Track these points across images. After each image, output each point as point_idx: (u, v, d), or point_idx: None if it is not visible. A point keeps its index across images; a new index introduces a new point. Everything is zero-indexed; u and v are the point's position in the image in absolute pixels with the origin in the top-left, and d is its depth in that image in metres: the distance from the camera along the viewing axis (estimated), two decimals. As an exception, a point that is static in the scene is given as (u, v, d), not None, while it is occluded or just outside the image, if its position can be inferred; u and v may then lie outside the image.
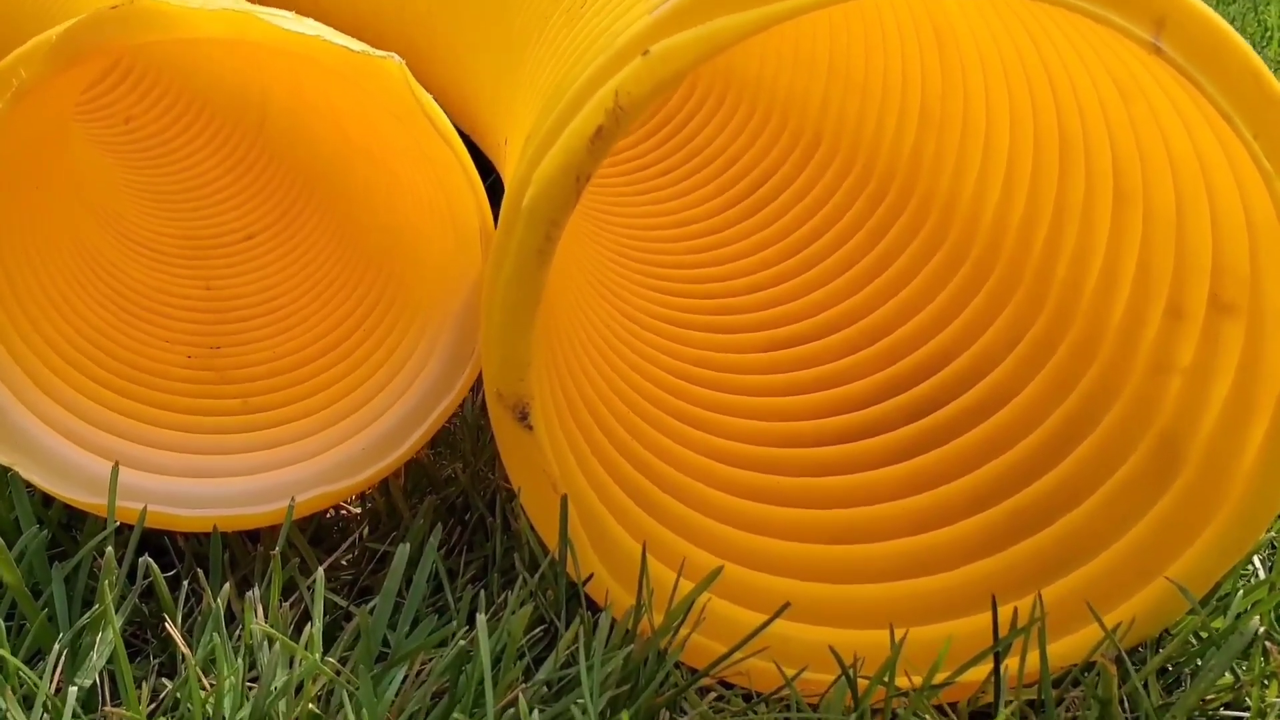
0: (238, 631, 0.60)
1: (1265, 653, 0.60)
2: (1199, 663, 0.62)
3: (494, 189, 0.66)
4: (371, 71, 0.63)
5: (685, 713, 0.59)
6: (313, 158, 1.05)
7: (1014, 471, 0.77)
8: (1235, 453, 0.63)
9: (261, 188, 1.19)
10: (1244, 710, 0.59)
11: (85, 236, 0.98)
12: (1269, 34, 1.99)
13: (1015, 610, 0.64)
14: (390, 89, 0.63)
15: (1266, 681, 0.60)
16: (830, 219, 1.08)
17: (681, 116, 1.27)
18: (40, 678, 0.55)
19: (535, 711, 0.54)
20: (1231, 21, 1.62)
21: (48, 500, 0.66)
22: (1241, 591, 0.65)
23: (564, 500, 0.61)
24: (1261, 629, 0.61)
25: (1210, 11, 0.53)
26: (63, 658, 0.56)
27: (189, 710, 0.54)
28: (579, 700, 0.55)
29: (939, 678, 0.58)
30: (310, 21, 0.63)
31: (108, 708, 0.56)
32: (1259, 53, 0.74)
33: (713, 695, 0.62)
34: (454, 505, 0.73)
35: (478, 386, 0.67)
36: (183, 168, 1.23)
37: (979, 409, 0.83)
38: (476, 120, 1.15)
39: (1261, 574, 0.69)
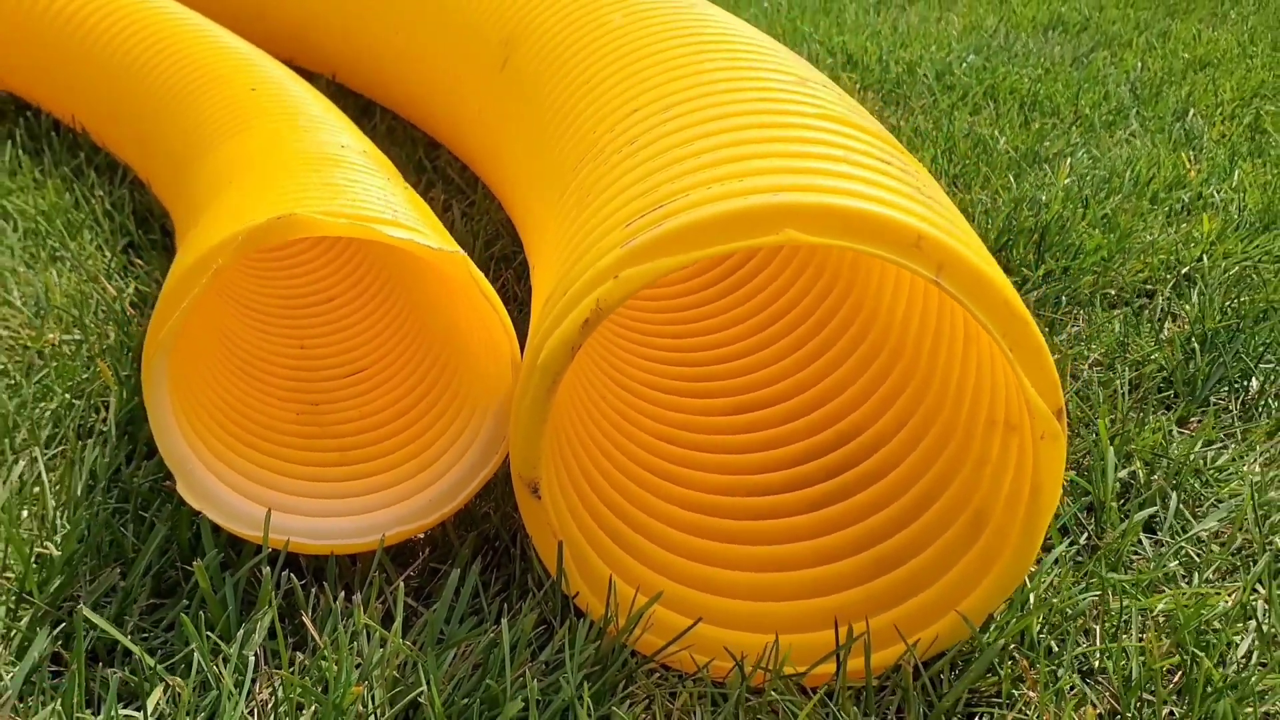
0: (345, 622, 0.92)
1: (1014, 660, 0.91)
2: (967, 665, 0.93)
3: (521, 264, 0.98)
4: (449, 262, 0.94)
5: (635, 682, 0.91)
6: (390, 259, 1.36)
7: (887, 526, 1.07)
8: (1009, 523, 0.93)
9: (346, 260, 1.49)
10: (1002, 698, 0.91)
11: (220, 317, 1.30)
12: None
13: (865, 626, 0.95)
14: (455, 269, 0.95)
15: (1016, 680, 0.91)
16: (785, 309, 1.38)
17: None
18: (229, 645, 0.88)
19: (535, 680, 0.86)
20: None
21: (216, 529, 0.99)
22: (999, 618, 0.95)
23: (560, 544, 0.94)
24: (1012, 645, 0.92)
25: (973, 258, 0.83)
26: (242, 633, 0.89)
27: (320, 670, 0.86)
28: (565, 675, 0.87)
29: (790, 670, 0.90)
30: (405, 220, 0.95)
31: (266, 667, 0.89)
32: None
33: (656, 676, 0.93)
34: (488, 536, 1.06)
35: (507, 460, 0.99)
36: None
37: (872, 475, 1.14)
38: (510, 205, 1.48)
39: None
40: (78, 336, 1.37)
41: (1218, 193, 1.93)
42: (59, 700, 0.83)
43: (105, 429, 1.17)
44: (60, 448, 1.16)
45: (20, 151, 1.94)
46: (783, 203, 0.82)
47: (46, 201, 1.75)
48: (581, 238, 0.96)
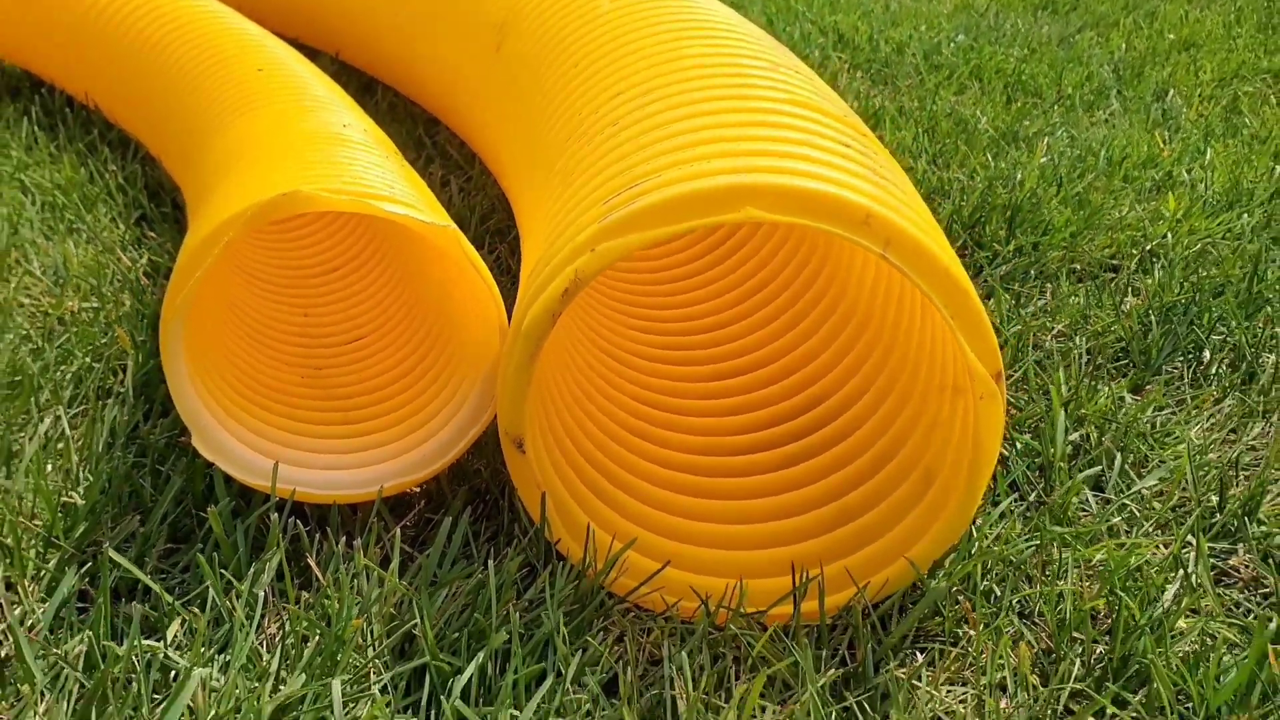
0: (346, 565, 1.01)
1: (957, 601, 1.00)
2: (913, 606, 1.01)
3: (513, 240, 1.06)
4: (441, 236, 1.02)
5: (610, 619, 0.99)
6: (389, 233, 1.44)
7: (845, 483, 1.16)
8: (954, 478, 1.01)
9: (348, 234, 1.57)
10: (945, 635, 0.99)
11: (230, 287, 1.38)
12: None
13: (820, 571, 1.04)
14: (448, 243, 1.03)
15: (959, 620, 1.00)
16: (761, 283, 1.46)
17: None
18: (241, 583, 0.97)
19: (519, 615, 0.95)
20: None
21: (228, 480, 1.07)
22: (947, 565, 1.04)
23: (544, 495, 1.02)
24: (955, 588, 1.01)
25: (918, 234, 0.91)
26: (252, 573, 0.98)
27: (324, 606, 0.95)
28: (546, 611, 0.96)
29: (750, 609, 0.98)
30: (403, 196, 1.03)
31: (274, 604, 0.98)
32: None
33: (630, 615, 1.02)
34: (479, 490, 1.14)
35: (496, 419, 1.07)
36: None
37: (835, 437, 1.22)
38: (503, 181, 1.56)
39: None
40: (95, 304, 1.45)
41: (1188, 172, 2.00)
42: (86, 630, 0.92)
43: (123, 390, 1.25)
44: (81, 407, 1.25)
45: (35, 128, 2.02)
46: (744, 183, 0.90)
47: (63, 176, 1.82)
48: (565, 213, 1.04)
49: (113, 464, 1.12)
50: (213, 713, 0.84)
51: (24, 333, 1.39)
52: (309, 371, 1.30)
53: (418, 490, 1.14)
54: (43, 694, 0.87)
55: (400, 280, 1.43)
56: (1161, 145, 2.12)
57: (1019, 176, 1.90)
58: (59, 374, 1.29)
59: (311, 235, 1.61)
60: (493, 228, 1.71)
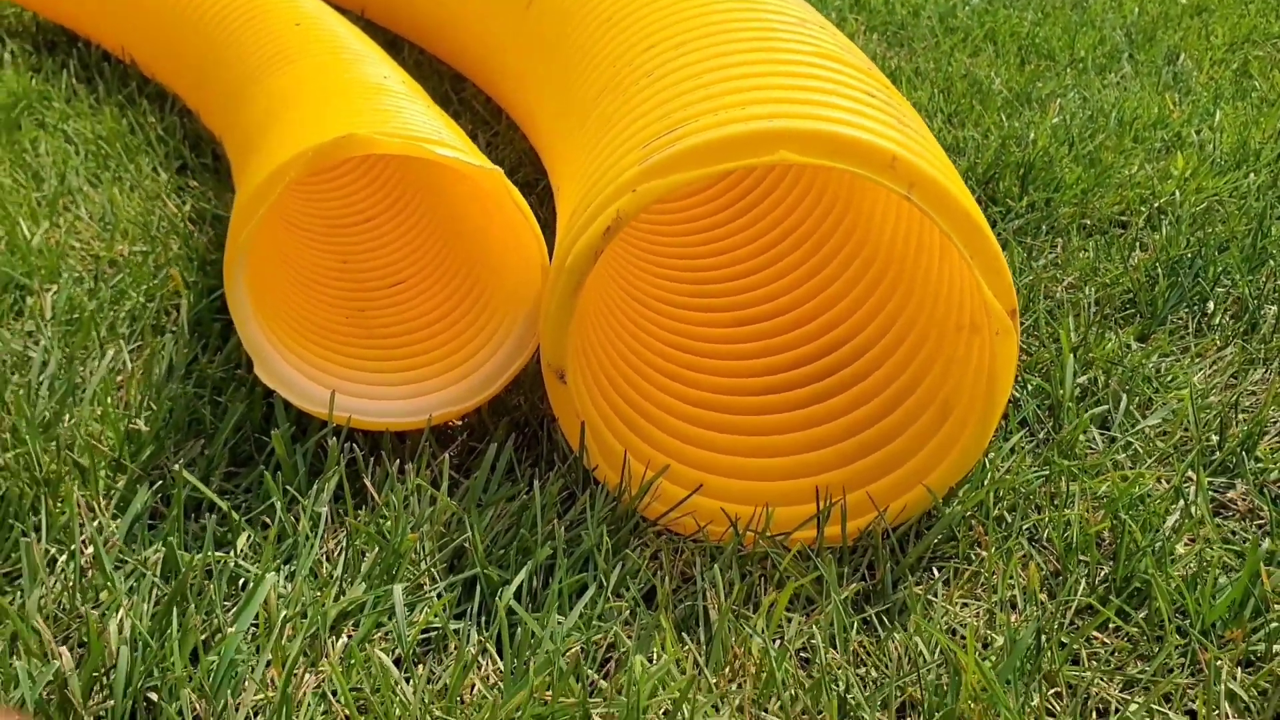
0: (399, 486, 1.08)
1: (970, 527, 1.07)
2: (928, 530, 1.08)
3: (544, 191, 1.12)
4: (487, 178, 1.08)
5: (644, 538, 1.06)
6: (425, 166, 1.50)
7: (866, 418, 1.22)
8: (970, 410, 1.08)
9: (382, 184, 1.63)
10: (959, 557, 1.06)
11: (276, 235, 1.44)
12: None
13: (842, 496, 1.10)
14: (494, 184, 1.09)
15: (973, 543, 1.07)
16: (787, 231, 1.52)
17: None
18: (306, 499, 1.04)
19: (563, 530, 1.01)
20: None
21: (287, 406, 1.14)
22: (961, 494, 1.11)
23: (582, 424, 1.09)
24: (968, 514, 1.07)
25: (940, 177, 0.97)
26: (313, 492, 1.05)
27: (380, 522, 1.02)
28: (586, 529, 1.03)
29: (776, 532, 1.05)
30: (450, 140, 1.09)
31: (332, 524, 1.05)
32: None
33: (663, 537, 1.09)
34: (519, 423, 1.21)
35: (535, 358, 1.14)
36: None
37: (857, 376, 1.28)
38: (534, 135, 1.61)
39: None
40: (144, 248, 1.52)
41: (1197, 133, 2.05)
42: (161, 541, 0.99)
43: (177, 329, 1.32)
44: (137, 344, 1.31)
45: (74, 80, 2.08)
46: (778, 128, 0.96)
47: (104, 127, 1.88)
48: (602, 160, 1.10)
49: (173, 394, 1.19)
50: (283, 614, 0.91)
51: (77, 275, 1.45)
52: (352, 314, 1.37)
53: (460, 423, 1.21)
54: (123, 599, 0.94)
55: (437, 227, 1.49)
56: (1171, 107, 2.17)
57: (1032, 136, 1.95)
58: (114, 313, 1.36)
59: (347, 187, 1.67)
60: (520, 180, 1.77)
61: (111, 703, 0.83)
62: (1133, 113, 2.11)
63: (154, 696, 0.86)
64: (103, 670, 0.86)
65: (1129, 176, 1.85)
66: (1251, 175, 1.87)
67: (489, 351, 1.16)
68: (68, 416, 1.15)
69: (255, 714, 0.86)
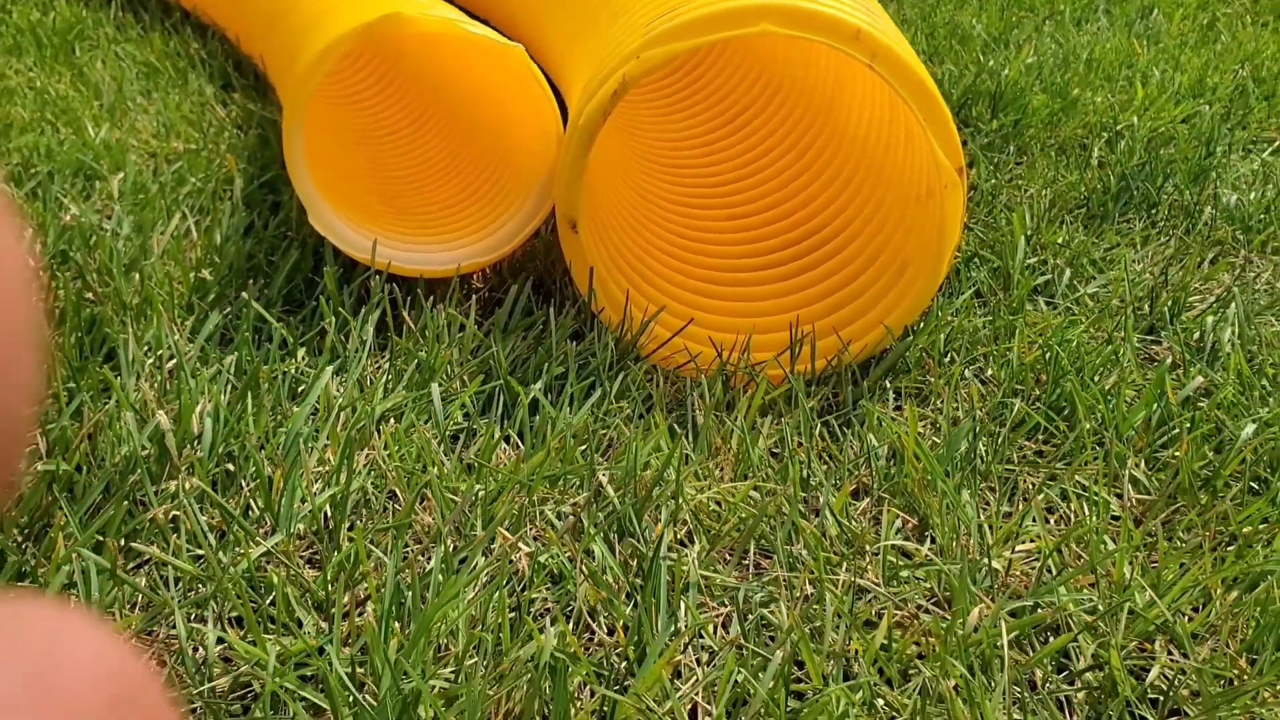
0: (433, 318, 1.25)
1: (923, 362, 1.24)
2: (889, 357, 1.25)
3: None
4: (511, 53, 1.26)
5: (644, 366, 1.24)
6: (443, 78, 1.67)
7: (840, 279, 1.40)
8: (924, 262, 1.25)
9: (400, 99, 1.80)
10: (910, 382, 1.23)
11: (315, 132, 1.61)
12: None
13: (812, 330, 1.27)
14: (517, 62, 1.26)
15: (924, 373, 1.24)
16: (771, 146, 1.69)
17: (689, 67, 1.89)
18: (354, 324, 1.21)
19: (574, 359, 1.19)
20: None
21: (337, 253, 1.31)
22: (914, 338, 1.28)
23: (591, 270, 1.26)
24: (922, 349, 1.25)
25: (897, 49, 1.14)
26: (357, 321, 1.22)
27: (422, 340, 1.20)
28: (593, 353, 1.20)
29: (757, 357, 1.23)
30: (478, 25, 1.26)
31: (375, 350, 1.22)
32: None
33: (659, 373, 1.26)
34: (535, 277, 1.39)
35: (548, 221, 1.31)
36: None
37: (833, 250, 1.46)
38: (549, 66, 1.78)
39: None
40: (198, 145, 1.69)
41: (1160, 72, 2.22)
42: (234, 353, 1.16)
43: (233, 203, 1.49)
44: (196, 218, 1.49)
45: (120, 12, 2.25)
46: (762, 3, 1.13)
47: (153, 51, 2.06)
48: (612, 42, 1.27)
49: (233, 251, 1.36)
50: (338, 404, 1.09)
51: (138, 167, 1.63)
52: (389, 198, 1.54)
53: (484, 283, 1.38)
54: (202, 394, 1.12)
55: (454, 126, 1.66)
56: (1139, 50, 2.34)
57: (1005, 71, 2.12)
58: (175, 194, 1.53)
59: (368, 100, 1.84)
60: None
61: (200, 454, 1.01)
62: (1102, 54, 2.28)
63: (230, 467, 1.03)
64: (192, 438, 1.04)
65: (1092, 104, 2.02)
66: (1206, 106, 2.04)
67: (510, 214, 1.34)
68: (145, 263, 1.32)
69: (316, 480, 1.03)
